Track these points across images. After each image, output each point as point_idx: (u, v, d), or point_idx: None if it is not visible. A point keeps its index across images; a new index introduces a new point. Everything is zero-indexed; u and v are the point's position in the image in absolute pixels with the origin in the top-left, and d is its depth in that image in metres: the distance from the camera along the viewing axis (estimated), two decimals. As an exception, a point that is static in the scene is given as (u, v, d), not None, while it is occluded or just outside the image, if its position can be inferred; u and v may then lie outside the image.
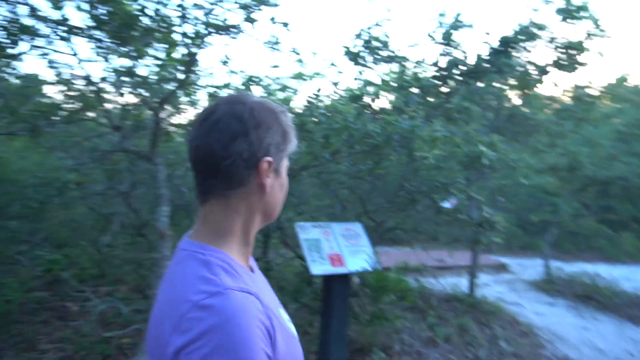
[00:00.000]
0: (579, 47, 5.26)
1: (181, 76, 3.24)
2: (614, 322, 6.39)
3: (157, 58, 3.35)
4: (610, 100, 7.81)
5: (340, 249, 3.86)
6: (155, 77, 3.31)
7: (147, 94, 3.27)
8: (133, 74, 3.27)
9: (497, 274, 8.91)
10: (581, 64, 5.15)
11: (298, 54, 3.59)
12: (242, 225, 0.93)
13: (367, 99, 3.92)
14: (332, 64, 4.29)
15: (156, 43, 3.15)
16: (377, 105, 3.96)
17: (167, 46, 3.20)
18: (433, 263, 6.82)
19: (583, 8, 5.70)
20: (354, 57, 4.20)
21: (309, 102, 4.14)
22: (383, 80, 4.23)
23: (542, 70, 4.95)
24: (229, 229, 0.91)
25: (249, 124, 0.89)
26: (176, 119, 3.87)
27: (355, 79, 4.33)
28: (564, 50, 5.17)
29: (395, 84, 4.17)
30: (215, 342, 0.72)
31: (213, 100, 4.00)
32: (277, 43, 3.20)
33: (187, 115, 3.94)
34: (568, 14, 5.60)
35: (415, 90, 4.24)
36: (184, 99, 3.65)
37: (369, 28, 4.10)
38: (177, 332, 0.75)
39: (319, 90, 3.69)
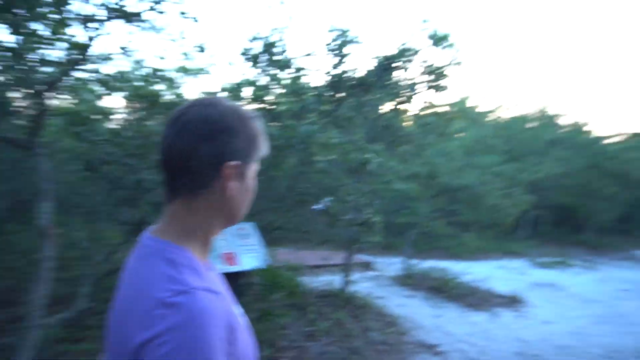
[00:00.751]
0: (441, 71, 6.07)
1: (70, 59, 2.96)
2: (458, 309, 7.48)
3: (37, 35, 3.00)
4: (458, 118, 9.11)
5: (233, 247, 3.89)
6: (37, 58, 2.97)
7: (25, 76, 2.91)
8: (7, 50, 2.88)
9: (364, 271, 9.69)
10: (445, 87, 5.97)
11: (204, 50, 3.54)
12: (205, 226, 0.97)
13: (264, 103, 4.04)
14: (230, 64, 4.31)
15: (41, 20, 2.84)
16: (273, 108, 4.10)
17: (54, 24, 2.90)
18: (314, 262, 7.17)
19: (445, 38, 6.60)
20: (253, 59, 4.27)
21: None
22: (280, 84, 4.38)
23: (414, 89, 5.63)
24: (193, 228, 0.95)
25: (216, 127, 0.93)
26: (58, 106, 3.48)
27: (253, 81, 4.40)
28: (431, 73, 5.93)
29: (291, 90, 4.35)
30: (178, 341, 0.75)
31: (105, 87, 3.71)
32: (182, 38, 3.12)
33: (70, 102, 3.58)
34: (435, 40, 6.45)
35: (309, 96, 4.48)
36: (72, 84, 3.32)
37: (270, 33, 4.24)
38: (142, 328, 0.79)
39: (221, 90, 3.67)
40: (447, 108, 7.02)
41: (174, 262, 0.88)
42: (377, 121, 5.73)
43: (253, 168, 1.02)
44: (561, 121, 23.81)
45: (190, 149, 0.91)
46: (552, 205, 17.87)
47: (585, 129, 25.08)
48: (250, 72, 4.40)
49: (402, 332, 5.98)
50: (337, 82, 4.48)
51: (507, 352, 5.79)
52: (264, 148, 1.04)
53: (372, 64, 4.82)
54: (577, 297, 9.48)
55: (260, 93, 3.97)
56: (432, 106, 6.43)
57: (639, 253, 18.64)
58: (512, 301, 8.33)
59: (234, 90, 4.16)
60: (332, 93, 4.48)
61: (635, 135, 34.33)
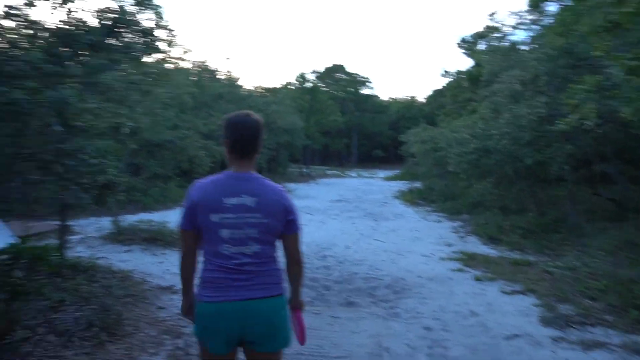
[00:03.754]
0: (151, 32, 6.35)
1: None
2: (176, 252, 8.24)
3: None
4: (166, 77, 9.33)
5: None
6: None
7: None
8: None
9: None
10: (157, 49, 6.29)
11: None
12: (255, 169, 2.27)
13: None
14: None
15: None
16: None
17: None
18: (19, 233, 6.28)
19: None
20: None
21: None
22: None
23: (135, 50, 5.70)
24: (254, 169, 2.25)
25: (260, 126, 2.25)
26: None
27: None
28: (144, 34, 6.12)
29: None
30: (293, 202, 2.32)
31: None
32: None
33: None
34: (139, 3, 6.54)
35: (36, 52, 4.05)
36: None
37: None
38: (285, 199, 2.24)
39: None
40: (157, 68, 7.30)
41: (269, 180, 2.28)
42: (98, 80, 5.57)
43: None
44: (219, 75, 26.69)
45: (257, 136, 2.22)
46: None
47: (238, 83, 28.99)
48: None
49: (138, 283, 6.33)
50: (70, 38, 4.15)
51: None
52: None
53: (96, 23, 4.67)
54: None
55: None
56: (144, 65, 6.64)
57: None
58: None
59: None
60: (65, 50, 4.14)
61: (270, 89, 41.85)
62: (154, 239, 8.66)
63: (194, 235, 2.18)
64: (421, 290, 6.57)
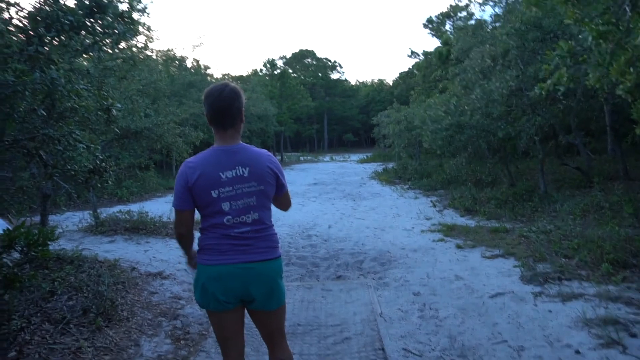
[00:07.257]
0: (128, 16, 6.23)
1: None
2: (161, 240, 8.23)
3: None
4: (142, 62, 9.16)
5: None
6: None
7: None
8: None
9: (42, 231, 8.77)
10: (137, 32, 6.18)
11: None
12: (240, 137, 2.33)
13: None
14: None
15: None
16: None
17: None
18: None
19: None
20: None
21: None
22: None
23: (108, 31, 5.58)
24: (239, 138, 2.30)
25: (236, 94, 2.28)
26: None
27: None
28: (122, 18, 6.00)
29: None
30: (277, 162, 2.40)
31: None
32: None
33: None
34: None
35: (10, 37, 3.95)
36: None
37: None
38: (274, 164, 2.33)
39: None
40: (132, 53, 7.17)
41: (255, 147, 2.34)
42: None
43: None
44: (188, 64, 26.17)
45: (232, 105, 2.25)
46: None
47: (207, 71, 28.51)
48: None
49: (127, 271, 6.30)
50: (50, 19, 4.04)
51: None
52: None
53: (73, 4, 4.55)
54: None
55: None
56: (120, 51, 6.51)
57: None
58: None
59: None
60: (43, 34, 4.04)
61: (238, 77, 41.16)
62: (136, 228, 8.58)
63: (191, 213, 2.25)
64: (406, 260, 6.80)
